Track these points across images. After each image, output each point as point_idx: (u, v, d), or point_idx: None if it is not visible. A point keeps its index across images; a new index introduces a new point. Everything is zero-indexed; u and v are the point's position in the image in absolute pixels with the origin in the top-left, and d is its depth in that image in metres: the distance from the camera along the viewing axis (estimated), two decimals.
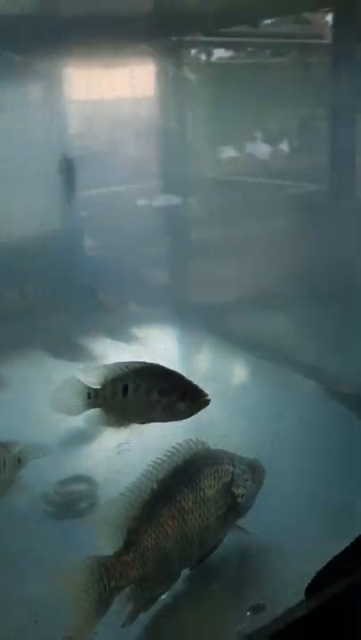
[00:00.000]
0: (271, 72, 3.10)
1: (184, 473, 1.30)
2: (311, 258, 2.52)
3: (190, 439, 1.33)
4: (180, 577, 1.30)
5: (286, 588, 1.28)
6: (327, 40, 2.60)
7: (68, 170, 2.43)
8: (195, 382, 1.29)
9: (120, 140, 2.88)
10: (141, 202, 3.00)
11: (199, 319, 2.78)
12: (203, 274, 3.01)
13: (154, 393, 1.21)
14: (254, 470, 1.43)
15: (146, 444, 1.67)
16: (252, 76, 3.06)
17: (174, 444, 1.31)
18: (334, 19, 2.54)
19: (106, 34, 2.37)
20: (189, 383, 1.25)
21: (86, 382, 1.25)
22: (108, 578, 1.15)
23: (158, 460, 1.29)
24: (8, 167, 2.23)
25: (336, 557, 1.20)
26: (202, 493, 1.30)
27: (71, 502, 1.62)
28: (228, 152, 3.06)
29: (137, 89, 2.82)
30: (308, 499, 1.60)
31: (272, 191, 2.90)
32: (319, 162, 2.74)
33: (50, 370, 2.12)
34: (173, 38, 2.83)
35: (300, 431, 1.92)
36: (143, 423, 1.28)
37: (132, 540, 1.21)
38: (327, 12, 2.55)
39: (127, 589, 1.20)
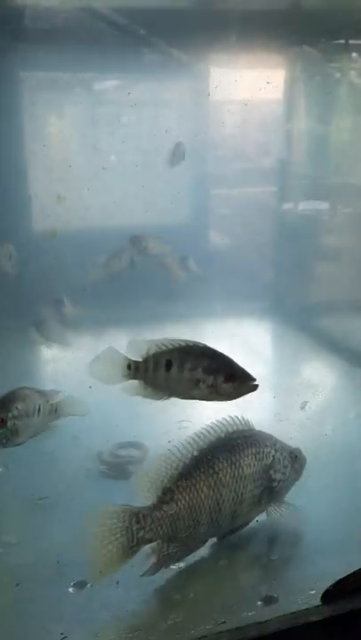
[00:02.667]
0: None
1: (226, 447, 1.35)
2: None
3: (236, 416, 1.39)
4: (206, 545, 1.36)
5: (304, 586, 1.29)
6: None
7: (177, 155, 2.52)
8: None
9: (271, 143, 2.97)
10: (288, 205, 3.06)
11: (298, 318, 2.84)
12: (316, 276, 3.03)
13: (199, 371, 1.22)
14: (295, 459, 1.46)
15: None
16: None
17: (220, 419, 1.37)
18: None
19: (266, 33, 2.39)
20: (237, 365, 1.26)
21: (127, 354, 1.27)
22: (137, 528, 1.23)
23: (203, 431, 1.36)
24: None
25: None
26: (240, 470, 1.35)
27: (122, 464, 1.71)
28: None
29: (293, 91, 2.87)
30: None
31: None
32: None
33: None
34: (340, 41, 2.71)
35: None
36: (185, 399, 1.29)
37: (166, 498, 1.28)
38: None
39: (154, 543, 1.27)
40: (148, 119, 2.76)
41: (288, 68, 2.81)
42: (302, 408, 1.78)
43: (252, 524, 1.44)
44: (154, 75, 2.65)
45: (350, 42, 2.69)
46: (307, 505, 1.49)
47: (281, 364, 2.57)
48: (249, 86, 2.69)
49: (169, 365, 1.23)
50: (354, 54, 2.78)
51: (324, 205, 3.03)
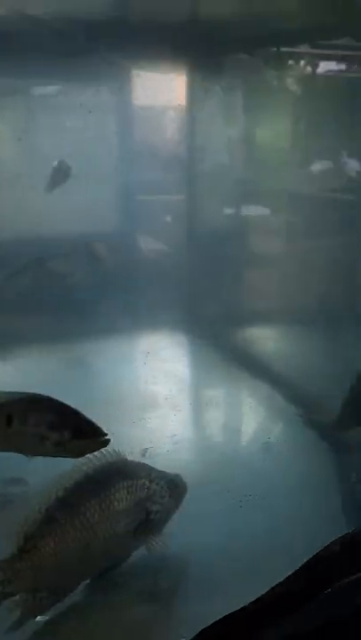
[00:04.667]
0: None
1: (94, 483, 1.28)
2: (339, 280, 2.48)
3: (107, 449, 1.31)
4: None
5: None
6: None
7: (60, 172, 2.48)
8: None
9: (201, 149, 2.94)
10: (229, 210, 3.03)
11: (211, 330, 2.75)
12: (234, 284, 2.95)
13: (43, 427, 1.12)
14: (175, 487, 1.40)
15: None
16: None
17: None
18: None
19: (201, 41, 2.41)
20: (85, 420, 1.16)
21: None
22: None
23: (69, 469, 1.28)
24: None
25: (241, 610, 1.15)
26: (111, 506, 1.28)
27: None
28: (320, 167, 2.90)
29: (226, 97, 2.85)
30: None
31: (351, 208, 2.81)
32: None
33: None
34: (277, 49, 2.71)
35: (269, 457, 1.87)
36: (31, 456, 1.18)
37: (27, 546, 1.20)
38: None
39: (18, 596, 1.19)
40: (77, 125, 2.73)
41: (222, 74, 2.78)
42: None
43: (135, 557, 1.38)
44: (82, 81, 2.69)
45: (286, 49, 2.71)
46: (193, 534, 1.43)
47: (189, 381, 2.50)
48: (181, 93, 2.78)
49: (9, 420, 1.12)
50: (290, 62, 2.80)
51: (256, 210, 2.98)
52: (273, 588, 1.04)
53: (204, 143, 2.96)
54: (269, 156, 2.88)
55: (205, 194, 3.02)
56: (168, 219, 3.05)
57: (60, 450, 1.12)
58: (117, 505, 1.29)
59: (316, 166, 2.88)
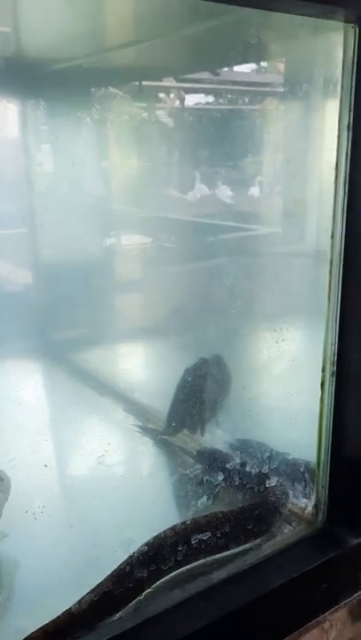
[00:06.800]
0: (246, 119, 3.19)
1: None
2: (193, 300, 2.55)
3: None
4: None
5: None
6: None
7: None
8: None
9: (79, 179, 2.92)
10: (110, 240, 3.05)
11: (54, 350, 2.77)
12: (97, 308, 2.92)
13: None
14: (1, 480, 1.50)
15: None
16: (227, 121, 3.10)
17: None
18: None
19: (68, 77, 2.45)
20: None
21: None
22: None
23: None
24: None
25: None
26: None
27: None
28: (195, 194, 3.04)
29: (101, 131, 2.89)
30: None
31: (222, 233, 2.91)
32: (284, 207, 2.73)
33: None
34: (144, 82, 2.81)
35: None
36: None
37: None
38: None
39: None
40: None
41: (97, 108, 2.83)
42: None
43: None
44: None
45: (153, 83, 2.84)
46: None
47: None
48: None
49: None
50: (161, 94, 2.96)
51: (133, 239, 3.06)
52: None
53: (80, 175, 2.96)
54: (141, 184, 2.94)
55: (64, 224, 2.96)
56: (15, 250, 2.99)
57: None
58: None
59: (193, 194, 3.00)
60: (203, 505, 1.56)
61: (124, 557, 1.27)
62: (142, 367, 2.58)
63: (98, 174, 2.98)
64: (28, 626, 1.17)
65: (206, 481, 1.58)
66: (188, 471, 1.64)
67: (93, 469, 1.84)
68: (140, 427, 2.13)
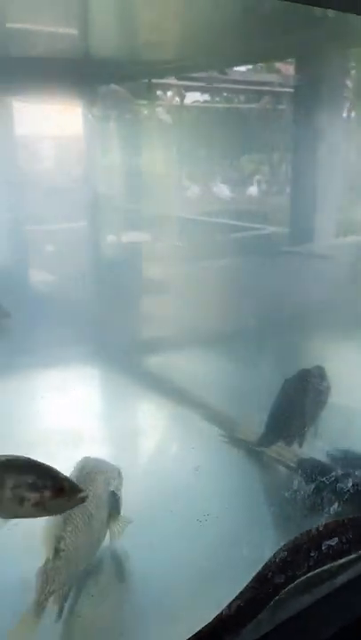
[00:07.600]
0: (244, 117, 3.27)
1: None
2: (240, 301, 2.59)
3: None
4: None
5: None
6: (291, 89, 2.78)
7: None
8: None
9: (84, 177, 2.94)
10: (111, 237, 3.04)
11: (115, 357, 2.67)
12: (139, 312, 2.94)
13: (22, 488, 1.12)
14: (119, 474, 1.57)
15: None
16: (225, 119, 3.23)
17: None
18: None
19: (77, 75, 2.45)
20: (63, 478, 1.17)
21: None
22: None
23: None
24: None
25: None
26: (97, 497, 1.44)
27: None
28: (197, 192, 3.14)
29: (104, 128, 2.94)
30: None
31: (229, 232, 2.99)
32: (284, 205, 2.85)
33: None
34: (146, 80, 2.86)
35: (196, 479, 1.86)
36: (9, 518, 1.18)
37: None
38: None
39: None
40: None
41: (99, 105, 2.90)
42: None
43: None
44: None
45: (155, 81, 2.92)
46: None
47: (105, 413, 2.40)
48: (60, 123, 2.81)
49: None
50: (159, 92, 3.07)
51: (142, 237, 3.08)
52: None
53: (86, 172, 2.99)
54: (146, 182, 3.01)
55: (90, 223, 3.02)
56: (53, 248, 3.01)
57: (40, 510, 1.14)
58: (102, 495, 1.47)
59: (192, 191, 3.11)
60: (334, 511, 1.58)
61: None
62: (217, 374, 2.54)
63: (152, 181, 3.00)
64: None
65: (339, 488, 1.60)
66: (324, 479, 1.65)
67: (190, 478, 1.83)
68: (226, 436, 2.09)
